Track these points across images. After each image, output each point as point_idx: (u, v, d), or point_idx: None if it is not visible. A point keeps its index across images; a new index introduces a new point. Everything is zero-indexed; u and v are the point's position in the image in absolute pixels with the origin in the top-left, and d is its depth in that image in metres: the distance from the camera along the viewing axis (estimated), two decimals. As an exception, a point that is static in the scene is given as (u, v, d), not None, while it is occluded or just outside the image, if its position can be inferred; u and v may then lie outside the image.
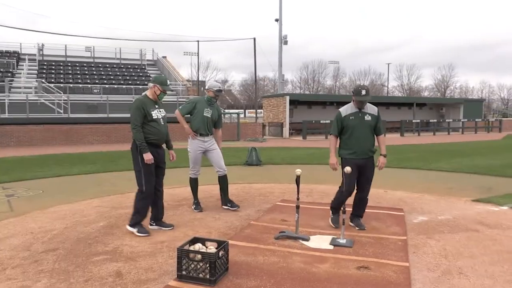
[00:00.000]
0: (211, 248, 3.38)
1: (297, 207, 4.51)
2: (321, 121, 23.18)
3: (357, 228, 4.82)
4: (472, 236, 4.59)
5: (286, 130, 23.22)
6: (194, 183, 5.90)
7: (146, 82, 24.65)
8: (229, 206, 5.78)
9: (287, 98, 23.43)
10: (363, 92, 4.63)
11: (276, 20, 29.63)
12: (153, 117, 4.61)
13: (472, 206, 6.17)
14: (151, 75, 26.07)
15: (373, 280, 3.35)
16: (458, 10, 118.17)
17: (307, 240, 4.37)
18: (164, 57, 28.72)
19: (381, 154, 4.91)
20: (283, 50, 30.91)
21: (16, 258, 3.81)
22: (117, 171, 9.82)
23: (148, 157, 4.48)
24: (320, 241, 4.36)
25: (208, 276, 3.19)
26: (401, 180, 8.52)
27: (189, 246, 3.41)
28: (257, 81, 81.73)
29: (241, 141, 20.34)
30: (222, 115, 6.62)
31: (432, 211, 5.76)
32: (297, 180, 4.52)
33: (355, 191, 4.88)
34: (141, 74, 26.52)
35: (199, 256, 3.21)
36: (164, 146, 4.95)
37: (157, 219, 4.85)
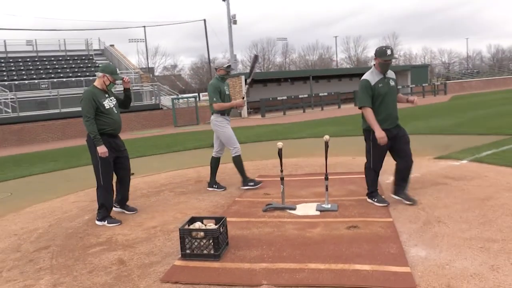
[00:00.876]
0: (211, 225, 3.48)
1: (281, 178, 4.68)
2: (278, 98, 23.46)
3: (407, 202, 4.43)
4: (442, 189, 4.98)
5: (244, 110, 23.28)
6: (239, 161, 5.88)
7: (95, 73, 23.70)
8: (215, 187, 5.87)
9: (242, 77, 23.44)
10: (388, 52, 4.29)
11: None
12: (106, 107, 4.54)
13: (435, 163, 6.63)
14: (100, 65, 25.13)
15: (364, 237, 3.60)
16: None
17: (294, 209, 4.57)
18: (112, 45, 27.65)
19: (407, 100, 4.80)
20: (232, 30, 30.69)
21: (8, 261, 3.73)
22: (82, 165, 9.55)
23: (102, 150, 4.43)
24: (306, 209, 4.57)
25: (212, 252, 3.30)
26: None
27: (188, 225, 3.50)
28: (208, 63, 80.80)
29: (201, 125, 20.24)
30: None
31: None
32: (279, 153, 4.67)
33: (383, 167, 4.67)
34: (89, 65, 25.45)
35: (202, 234, 3.31)
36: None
37: (122, 203, 4.94)
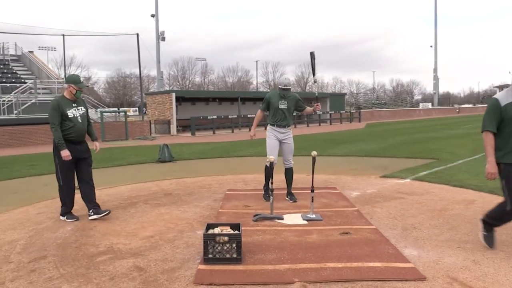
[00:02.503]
0: (230, 230, 3.68)
1: (272, 190, 5.01)
2: (209, 117, 23.73)
3: None
4: (402, 202, 5.69)
5: (173, 127, 23.13)
6: (265, 170, 5.92)
7: (13, 80, 21.85)
8: (288, 198, 5.92)
9: (173, 95, 23.36)
10: None
11: (152, 15, 29.02)
12: (69, 116, 4.94)
13: (383, 181, 7.44)
14: (17, 71, 23.19)
15: (360, 241, 4.06)
16: (315, 13, 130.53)
17: (282, 219, 4.89)
18: (31, 52, 25.69)
19: None
20: (158, 46, 30.45)
21: (4, 272, 3.50)
22: (18, 177, 8.87)
23: (65, 153, 4.85)
24: (293, 219, 4.93)
25: (235, 255, 3.49)
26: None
27: (207, 231, 3.65)
28: (124, 78, 78.10)
29: (130, 140, 19.65)
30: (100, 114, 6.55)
31: (358, 188, 6.80)
32: (271, 166, 4.99)
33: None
34: (5, 71, 23.30)
35: (226, 238, 3.49)
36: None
37: (93, 208, 5.10)
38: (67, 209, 5.10)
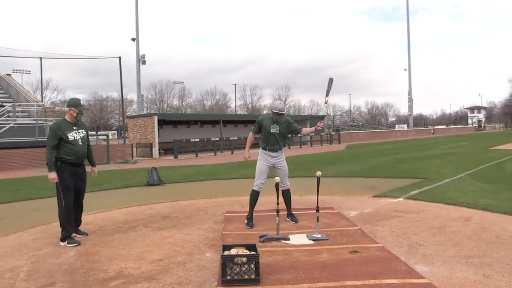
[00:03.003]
0: (245, 251, 3.67)
1: (277, 211, 5.03)
2: (191, 140, 23.65)
3: None
4: (402, 220, 5.80)
5: (155, 150, 22.91)
6: (251, 195, 5.87)
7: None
8: (289, 219, 5.92)
9: (155, 118, 23.21)
10: None
11: (133, 39, 29.08)
12: (70, 139, 5.05)
13: (377, 200, 7.57)
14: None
15: (371, 259, 4.11)
16: (292, 37, 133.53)
17: (288, 239, 4.91)
18: (9, 74, 25.20)
19: None
20: (139, 70, 30.43)
21: (15, 299, 3.39)
22: (7, 202, 8.58)
23: (51, 176, 4.96)
24: (298, 239, 4.96)
25: (253, 276, 3.49)
26: (303, 186, 9.66)
27: (223, 253, 3.63)
28: (101, 101, 77.18)
29: (112, 164, 19.30)
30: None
31: (354, 207, 6.89)
32: (277, 187, 5.04)
33: None
34: (-19, 93, 22.75)
35: (244, 259, 3.49)
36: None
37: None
38: (67, 233, 5.04)
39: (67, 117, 5.23)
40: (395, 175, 11.15)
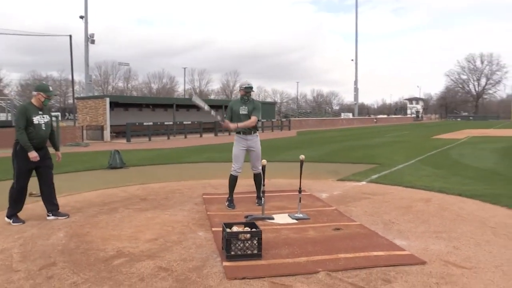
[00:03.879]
0: (247, 228, 3.90)
1: (263, 192, 5.28)
2: (144, 123, 23.21)
3: None
4: (371, 201, 6.29)
5: (107, 133, 22.24)
6: (230, 179, 5.97)
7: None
8: (256, 201, 6.07)
9: (107, 100, 22.47)
10: None
11: (81, 17, 27.65)
12: (34, 123, 5.10)
13: (342, 184, 8.06)
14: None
15: (355, 235, 4.49)
16: (239, 23, 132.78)
17: (273, 219, 5.19)
18: None
19: None
20: (87, 49, 29.06)
21: (16, 281, 3.36)
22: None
23: (32, 155, 5.01)
24: (282, 218, 5.25)
25: (256, 251, 3.73)
26: (269, 171, 9.98)
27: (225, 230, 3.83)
28: (40, 81, 72.52)
29: (62, 147, 18.51)
30: None
31: (323, 190, 7.31)
32: (263, 169, 5.28)
33: None
34: None
35: (248, 235, 3.71)
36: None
37: (52, 211, 5.34)
38: (13, 211, 5.13)
39: (33, 101, 5.22)
40: (353, 161, 11.81)
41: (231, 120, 5.93)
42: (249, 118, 5.86)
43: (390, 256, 3.81)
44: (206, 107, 5.55)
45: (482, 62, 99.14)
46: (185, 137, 24.83)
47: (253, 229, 3.83)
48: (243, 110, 5.83)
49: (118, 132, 23.71)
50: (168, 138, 24.06)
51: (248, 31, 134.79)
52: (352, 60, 57.53)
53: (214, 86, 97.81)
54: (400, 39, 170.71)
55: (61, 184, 8.06)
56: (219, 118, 5.93)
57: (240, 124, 5.73)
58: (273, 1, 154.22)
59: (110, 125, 22.63)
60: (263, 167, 5.30)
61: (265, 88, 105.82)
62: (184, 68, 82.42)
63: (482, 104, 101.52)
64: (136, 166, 11.15)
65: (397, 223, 5.06)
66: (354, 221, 5.09)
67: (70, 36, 23.33)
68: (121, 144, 20.37)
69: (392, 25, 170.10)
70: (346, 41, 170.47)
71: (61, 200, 6.39)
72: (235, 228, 3.88)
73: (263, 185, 5.37)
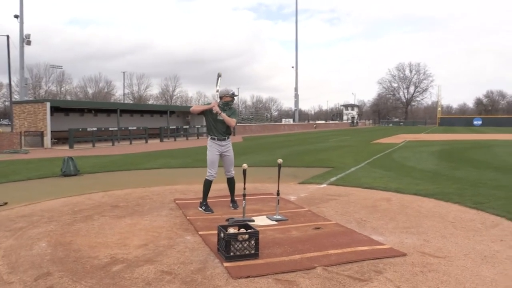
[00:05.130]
0: (242, 229, 4.06)
1: (244, 195, 5.46)
2: (88, 129, 22.31)
3: None
4: (339, 202, 6.69)
5: (47, 140, 21.06)
6: (205, 184, 6.06)
7: None
8: (231, 205, 6.22)
9: (48, 104, 21.27)
10: None
11: (16, 16, 25.94)
12: None
13: (305, 186, 8.43)
14: None
15: (335, 233, 4.82)
16: (178, 27, 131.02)
17: (253, 221, 5.38)
18: None
19: None
20: (22, 51, 27.34)
21: (17, 290, 3.29)
22: None
23: None
24: (261, 221, 5.46)
25: (253, 251, 3.90)
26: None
27: (221, 232, 3.97)
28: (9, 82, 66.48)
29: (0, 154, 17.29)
30: None
31: (290, 193, 7.61)
32: (244, 173, 5.45)
33: None
34: None
35: (246, 236, 3.88)
36: None
37: None
38: None
39: None
40: (307, 165, 12.30)
41: (208, 124, 6.08)
42: (222, 124, 6.01)
43: (374, 250, 4.16)
44: (217, 88, 5.95)
45: (410, 71, 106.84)
46: (131, 143, 24.18)
47: (251, 230, 4.01)
48: (221, 116, 5.95)
49: (59, 138, 22.55)
50: (113, 144, 23.27)
51: (188, 36, 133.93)
52: (293, 67, 59.31)
53: (154, 91, 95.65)
54: (335, 47, 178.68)
55: (17, 193, 7.72)
56: (216, 99, 6.02)
57: (223, 114, 5.88)
58: (213, 7, 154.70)
59: (51, 131, 21.44)
60: (244, 171, 5.47)
61: (205, 94, 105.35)
62: (123, 72, 79.89)
63: (411, 110, 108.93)
64: (91, 173, 10.78)
65: (369, 221, 5.47)
66: (330, 221, 5.42)
67: (8, 36, 21.84)
68: (63, 150, 19.39)
69: (327, 34, 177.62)
70: (285, 48, 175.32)
71: (25, 209, 6.19)
72: (231, 230, 4.02)
73: (244, 189, 5.54)
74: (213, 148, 6.07)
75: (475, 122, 76.32)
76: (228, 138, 6.17)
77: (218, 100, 6.04)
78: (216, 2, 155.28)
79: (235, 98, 6.19)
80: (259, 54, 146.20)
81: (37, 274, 3.61)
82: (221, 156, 6.14)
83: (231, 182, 6.31)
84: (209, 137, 6.13)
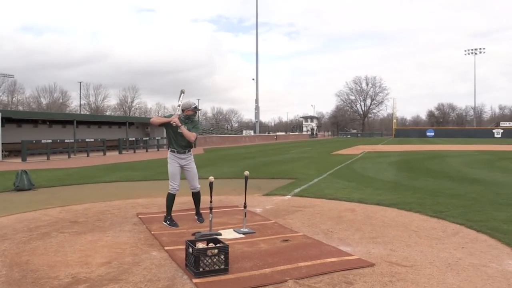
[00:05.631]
0: (211, 244, 3.96)
1: (210, 209, 5.35)
2: (43, 141, 21.34)
3: None
4: (304, 213, 6.72)
5: (-3, 153, 19.94)
6: (168, 198, 5.92)
7: None
8: (197, 218, 6.14)
9: (-2, 115, 20.21)
10: None
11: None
12: None
13: (269, 198, 8.42)
14: None
15: (303, 245, 4.81)
16: (137, 37, 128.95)
17: (220, 235, 5.29)
18: None
19: None
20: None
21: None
22: None
23: None
24: (229, 234, 5.38)
25: (223, 266, 3.82)
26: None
27: (189, 247, 3.86)
28: None
29: None
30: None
31: (255, 205, 7.56)
32: (211, 186, 5.36)
33: None
34: None
35: (215, 251, 3.79)
36: None
37: None
38: None
39: None
40: (270, 176, 12.33)
41: (168, 136, 5.99)
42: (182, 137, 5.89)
43: (342, 261, 4.18)
44: (179, 103, 5.88)
45: (367, 84, 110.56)
46: (88, 155, 23.35)
47: (220, 245, 3.92)
48: (181, 129, 5.83)
49: (11, 150, 21.42)
50: (69, 157, 22.37)
51: (147, 46, 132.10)
52: (253, 79, 59.71)
53: (111, 102, 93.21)
54: (294, 60, 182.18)
55: None
56: (177, 113, 5.92)
57: (183, 129, 5.79)
58: (173, 18, 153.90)
59: (2, 143, 20.33)
60: (211, 184, 5.38)
61: (165, 105, 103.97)
62: (80, 82, 77.49)
63: (367, 122, 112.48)
64: (46, 187, 10.27)
65: (335, 232, 5.51)
66: (298, 232, 5.42)
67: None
68: (15, 163, 18.40)
69: (287, 48, 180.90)
70: (245, 60, 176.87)
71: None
72: (200, 245, 3.92)
73: (211, 202, 5.44)
74: (173, 160, 5.96)
75: (428, 134, 79.84)
76: (188, 151, 6.06)
77: (180, 113, 5.95)
78: (176, 13, 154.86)
79: (197, 111, 6.09)
80: (220, 65, 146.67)
81: (-11, 298, 3.35)
82: (183, 169, 6.02)
83: (196, 196, 6.20)
84: (169, 150, 6.02)
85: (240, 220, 6.11)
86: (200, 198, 6.24)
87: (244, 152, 27.00)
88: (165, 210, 6.01)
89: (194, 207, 6.27)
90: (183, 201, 7.50)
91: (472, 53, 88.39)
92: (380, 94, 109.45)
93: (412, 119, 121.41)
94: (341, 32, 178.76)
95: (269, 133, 73.35)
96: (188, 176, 6.04)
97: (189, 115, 5.94)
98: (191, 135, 5.87)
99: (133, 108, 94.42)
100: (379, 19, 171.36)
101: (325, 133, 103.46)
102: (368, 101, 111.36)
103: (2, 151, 20.29)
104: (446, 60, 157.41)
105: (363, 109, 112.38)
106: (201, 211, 6.22)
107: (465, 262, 4.19)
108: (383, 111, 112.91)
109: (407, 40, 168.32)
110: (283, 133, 79.25)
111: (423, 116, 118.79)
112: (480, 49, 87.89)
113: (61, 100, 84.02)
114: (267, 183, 10.77)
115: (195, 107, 5.97)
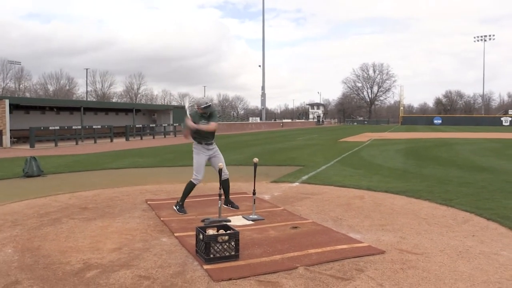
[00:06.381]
0: (221, 231, 3.97)
1: (219, 195, 5.35)
2: (51, 127, 21.47)
3: None
4: (313, 200, 6.71)
5: (6, 139, 20.08)
6: (187, 186, 5.95)
7: None
8: (229, 206, 6.15)
9: (7, 102, 20.27)
10: None
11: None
12: None
13: (277, 185, 8.42)
14: None
15: (313, 232, 4.81)
16: (142, 24, 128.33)
17: (230, 221, 5.29)
18: None
19: None
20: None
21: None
22: None
23: None
24: (238, 221, 5.39)
25: (233, 252, 3.82)
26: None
27: (199, 234, 3.87)
28: None
29: (-49, 155, 16.32)
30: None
31: (263, 192, 7.57)
32: (220, 172, 5.36)
33: None
34: None
35: (226, 237, 3.79)
36: None
37: None
38: None
39: None
40: (278, 163, 12.30)
41: (192, 133, 5.98)
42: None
43: (353, 248, 4.18)
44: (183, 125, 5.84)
45: (374, 71, 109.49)
46: (95, 142, 23.47)
47: (230, 231, 3.92)
48: (204, 124, 5.88)
49: (19, 137, 21.58)
50: (77, 143, 22.52)
51: (153, 33, 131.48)
52: (260, 66, 59.32)
53: (118, 88, 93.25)
54: (301, 47, 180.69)
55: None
56: (186, 123, 5.91)
57: (201, 126, 5.79)
58: (179, 4, 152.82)
59: (10, 130, 20.47)
60: (220, 171, 5.38)
61: (171, 92, 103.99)
62: (86, 69, 77.53)
63: (374, 109, 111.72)
64: (55, 174, 10.35)
65: (344, 219, 5.50)
66: (307, 219, 5.42)
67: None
68: (24, 150, 18.56)
69: (293, 34, 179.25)
70: (252, 47, 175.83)
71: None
72: (210, 231, 3.92)
73: (220, 188, 5.43)
74: (200, 151, 5.99)
75: (435, 121, 79.17)
76: (214, 142, 6.12)
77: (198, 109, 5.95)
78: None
79: (210, 105, 6.06)
80: (226, 52, 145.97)
81: (4, 283, 3.39)
82: (211, 158, 6.07)
83: (225, 183, 6.16)
84: (195, 143, 6.02)
85: (248, 207, 6.12)
86: (229, 185, 6.25)
87: (251, 139, 26.97)
88: (174, 196, 6.02)
89: (200, 194, 6.27)
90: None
91: (481, 39, 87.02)
92: (387, 81, 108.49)
93: (419, 106, 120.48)
94: (348, 18, 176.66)
95: (275, 120, 73.19)
96: (219, 162, 5.96)
97: (202, 113, 5.91)
98: (209, 127, 5.90)
99: (139, 95, 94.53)
100: (387, 5, 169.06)
101: (332, 121, 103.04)
102: (375, 88, 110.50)
103: (11, 138, 20.43)
104: (454, 47, 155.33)
105: (370, 96, 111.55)
106: (209, 198, 6.22)
107: (476, 250, 4.16)
108: (390, 99, 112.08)
109: (415, 27, 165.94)
110: (289, 120, 79.03)
111: (431, 103, 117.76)
112: (490, 35, 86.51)
113: (67, 87, 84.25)
114: (275, 170, 10.75)
115: (205, 107, 5.90)
